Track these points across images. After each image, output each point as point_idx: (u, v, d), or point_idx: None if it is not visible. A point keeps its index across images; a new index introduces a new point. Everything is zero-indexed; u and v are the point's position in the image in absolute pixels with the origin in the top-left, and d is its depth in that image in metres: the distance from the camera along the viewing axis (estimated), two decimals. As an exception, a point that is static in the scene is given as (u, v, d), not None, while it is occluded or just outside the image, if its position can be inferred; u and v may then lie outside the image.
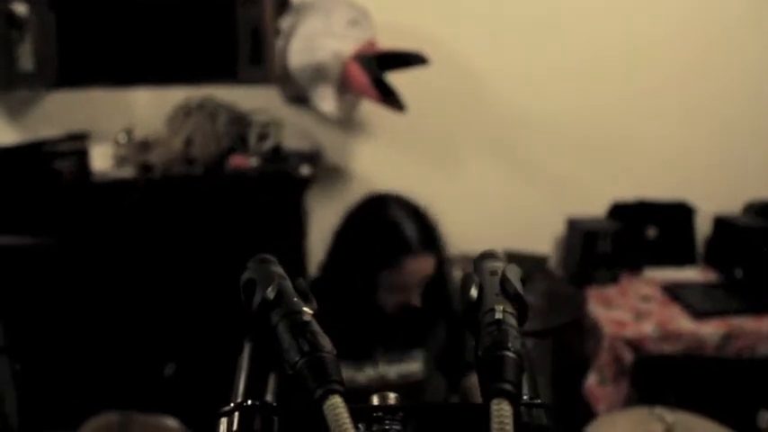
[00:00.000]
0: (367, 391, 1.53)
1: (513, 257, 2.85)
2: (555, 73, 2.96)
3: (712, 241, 3.04)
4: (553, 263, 3.02)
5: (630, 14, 2.94)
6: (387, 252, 1.65)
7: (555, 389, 3.03)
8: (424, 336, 1.74)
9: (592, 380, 2.49)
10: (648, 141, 3.06)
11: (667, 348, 2.48)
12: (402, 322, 1.70)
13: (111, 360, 2.60)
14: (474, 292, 0.58)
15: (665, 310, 2.61)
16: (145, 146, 2.69)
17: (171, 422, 2.17)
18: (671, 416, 1.81)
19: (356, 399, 1.56)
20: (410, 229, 1.66)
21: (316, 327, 0.54)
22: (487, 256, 0.62)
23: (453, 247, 2.86)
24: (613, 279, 2.83)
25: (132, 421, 2.13)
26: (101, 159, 2.65)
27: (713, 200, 3.04)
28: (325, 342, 0.53)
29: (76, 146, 2.68)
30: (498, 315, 0.55)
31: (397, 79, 2.60)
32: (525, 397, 0.54)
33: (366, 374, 1.66)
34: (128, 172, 2.63)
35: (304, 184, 2.67)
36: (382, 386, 1.66)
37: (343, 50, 2.55)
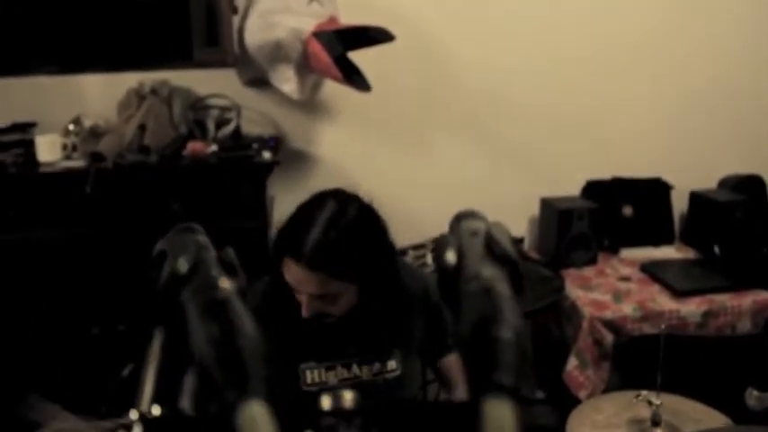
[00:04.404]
0: (338, 389, 1.36)
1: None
2: (526, 52, 2.86)
3: (689, 218, 2.98)
4: (528, 245, 2.93)
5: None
6: (276, 245, 1.45)
7: (536, 376, 2.95)
8: (397, 337, 1.58)
9: (572, 364, 2.41)
10: (622, 118, 2.99)
11: (648, 329, 2.40)
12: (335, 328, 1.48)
13: (68, 360, 2.46)
14: (451, 257, 0.45)
15: (645, 290, 2.54)
16: (95, 134, 2.53)
17: None
18: (657, 398, 1.72)
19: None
20: (315, 233, 1.37)
21: (236, 305, 0.40)
22: (465, 215, 0.50)
23: (424, 233, 2.77)
24: (591, 259, 2.75)
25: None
26: (48, 149, 2.49)
27: (688, 176, 2.99)
28: (245, 324, 0.39)
29: (22, 136, 2.53)
30: (486, 282, 0.42)
31: (361, 57, 2.47)
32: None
33: (338, 374, 1.49)
34: (77, 162, 2.48)
35: (266, 170, 2.54)
36: (356, 384, 1.46)
37: (303, 27, 2.42)
